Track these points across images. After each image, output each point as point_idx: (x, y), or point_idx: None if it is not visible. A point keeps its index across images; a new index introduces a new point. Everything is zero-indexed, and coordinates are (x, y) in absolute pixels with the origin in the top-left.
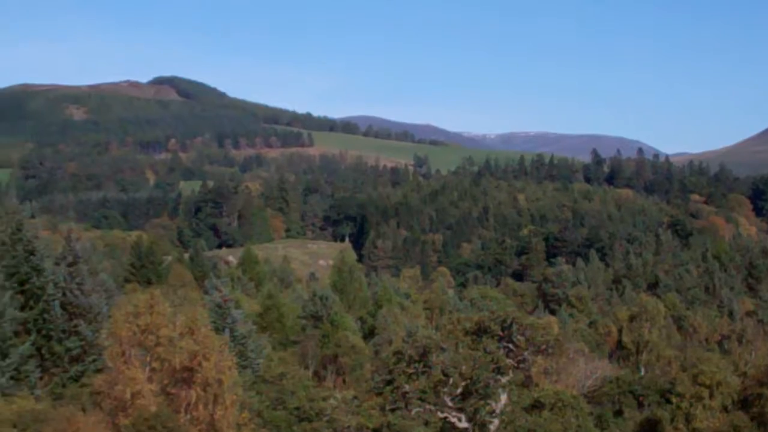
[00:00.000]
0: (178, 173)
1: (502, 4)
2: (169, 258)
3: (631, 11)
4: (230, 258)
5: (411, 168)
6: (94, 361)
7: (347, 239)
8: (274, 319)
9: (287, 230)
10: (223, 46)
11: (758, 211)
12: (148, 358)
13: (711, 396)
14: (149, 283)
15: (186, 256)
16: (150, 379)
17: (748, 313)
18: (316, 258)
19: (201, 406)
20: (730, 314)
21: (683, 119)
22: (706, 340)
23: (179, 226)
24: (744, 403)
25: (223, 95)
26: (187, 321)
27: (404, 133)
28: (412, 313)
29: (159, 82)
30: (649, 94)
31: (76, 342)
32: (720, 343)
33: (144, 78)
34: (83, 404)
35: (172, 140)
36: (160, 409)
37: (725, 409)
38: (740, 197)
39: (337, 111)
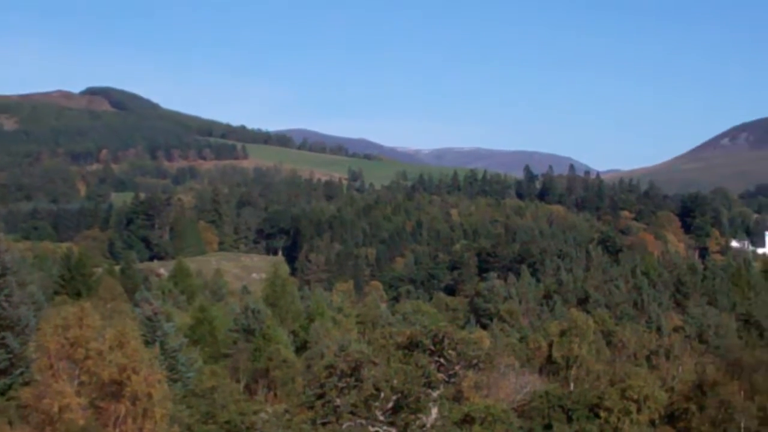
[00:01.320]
0: (110, 185)
1: (435, 20)
2: (100, 270)
3: (563, 29)
4: (162, 271)
5: (345, 182)
6: (21, 374)
7: (280, 253)
8: (206, 333)
9: (220, 243)
10: (157, 57)
11: (686, 228)
12: (76, 372)
13: (639, 410)
14: (79, 295)
15: (117, 268)
16: (78, 393)
17: (676, 329)
18: (249, 271)
19: (130, 420)
20: (658, 330)
21: (614, 137)
22: (635, 355)
23: (110, 238)
24: (671, 418)
25: (156, 107)
26: (116, 334)
27: (339, 147)
28: (345, 327)
29: (91, 92)
30: (581, 111)
31: (3, 354)
32: (648, 358)
33: (76, 88)
34: (10, 418)
35: (104, 151)
36: (88, 423)
37: (653, 423)
38: (669, 214)
39: (271, 124)
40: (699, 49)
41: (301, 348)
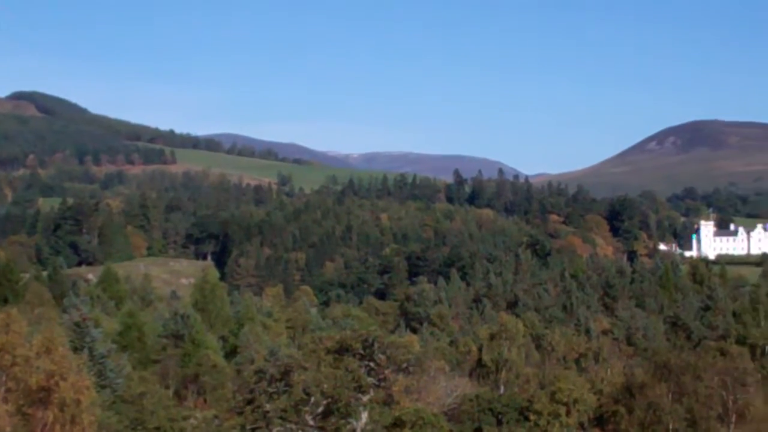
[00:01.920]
0: (37, 190)
1: (363, 22)
2: (27, 276)
3: (491, 32)
4: (90, 276)
5: (275, 186)
6: None
7: (210, 257)
8: (135, 338)
9: (149, 248)
10: (85, 61)
11: (615, 232)
12: (3, 378)
13: (568, 413)
14: (6, 301)
15: (44, 274)
16: (5, 400)
17: (604, 332)
18: (178, 276)
19: (58, 427)
20: (587, 332)
21: (544, 141)
22: (564, 358)
23: (38, 244)
24: (600, 420)
25: (84, 111)
26: (44, 340)
27: (268, 152)
28: (275, 331)
29: (18, 97)
30: (510, 115)
31: None
32: (577, 361)
33: (2, 93)
34: None
35: (31, 156)
36: (15, 430)
37: (582, 426)
38: (597, 218)
39: (201, 128)
40: (627, 52)
41: (230, 353)
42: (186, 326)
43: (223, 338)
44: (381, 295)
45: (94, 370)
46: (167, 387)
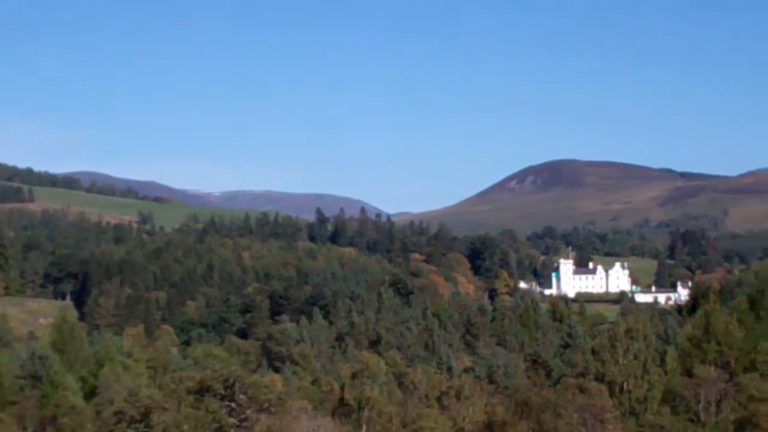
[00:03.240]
0: None
1: (221, 62)
2: None
3: (351, 75)
4: None
5: (135, 225)
6: None
7: (69, 297)
8: None
9: (5, 288)
10: None
11: (476, 270)
12: None
13: None
14: None
15: None
16: None
17: (466, 370)
18: (36, 316)
19: None
20: (449, 370)
21: (405, 180)
22: (426, 396)
23: None
24: None
25: None
26: None
27: (128, 190)
28: (135, 372)
29: None
30: (371, 154)
31: None
32: (439, 400)
33: None
34: None
35: None
36: None
37: None
38: (459, 256)
39: (59, 166)
40: (486, 91)
41: (90, 394)
42: (44, 367)
43: (82, 379)
44: (243, 334)
45: None
46: (24, 429)
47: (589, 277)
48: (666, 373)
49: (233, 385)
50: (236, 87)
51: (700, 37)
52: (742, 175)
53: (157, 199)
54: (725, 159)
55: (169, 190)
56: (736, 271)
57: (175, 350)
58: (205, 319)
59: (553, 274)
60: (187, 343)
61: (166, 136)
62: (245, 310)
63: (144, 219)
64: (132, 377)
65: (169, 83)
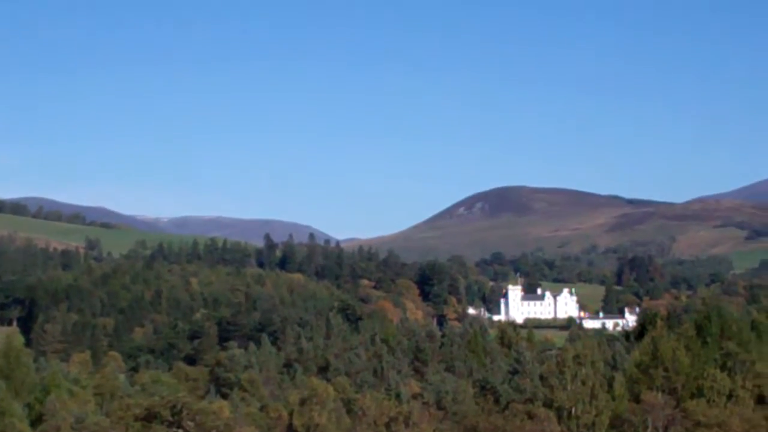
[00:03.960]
0: None
1: (170, 88)
2: None
3: (299, 102)
4: None
5: (82, 251)
6: None
7: (15, 323)
8: None
9: None
10: None
11: (425, 296)
12: None
13: None
14: None
15: None
16: None
17: (415, 396)
18: None
19: None
20: (398, 397)
21: (354, 206)
22: (375, 422)
23: None
24: None
25: None
26: None
27: (75, 215)
28: (82, 398)
29: None
30: (320, 180)
31: None
32: (388, 426)
33: None
34: None
35: None
36: None
37: None
38: (408, 282)
39: (5, 192)
40: (434, 119)
41: (36, 421)
42: None
43: (28, 406)
44: (191, 360)
45: None
46: None
47: (538, 303)
48: (614, 398)
49: (181, 411)
50: (184, 113)
51: (647, 66)
52: (688, 202)
53: (104, 225)
54: (672, 186)
55: (118, 215)
56: (683, 297)
57: (122, 377)
58: (152, 345)
59: (502, 300)
60: (134, 369)
61: (115, 162)
62: (193, 337)
63: (91, 245)
64: (79, 404)
65: (118, 109)
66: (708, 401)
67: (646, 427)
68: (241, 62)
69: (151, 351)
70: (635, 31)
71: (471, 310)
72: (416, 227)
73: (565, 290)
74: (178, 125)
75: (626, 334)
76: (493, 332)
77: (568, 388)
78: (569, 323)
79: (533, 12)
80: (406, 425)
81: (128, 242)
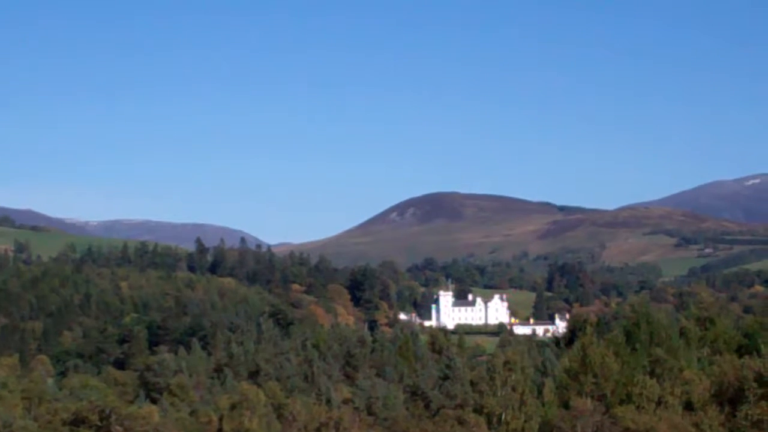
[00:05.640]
0: None
1: (102, 92)
2: None
3: (232, 108)
4: None
5: (11, 253)
6: None
7: None
8: None
9: None
10: None
11: (356, 302)
12: None
13: None
14: None
15: None
16: None
17: (345, 401)
18: None
19: None
20: (328, 402)
21: (286, 210)
22: (305, 427)
23: None
24: None
25: None
26: None
27: (4, 218)
28: (9, 403)
29: None
30: (251, 184)
31: None
32: (318, 431)
33: None
34: None
35: None
36: None
37: None
38: (339, 287)
39: None
40: (367, 125)
41: None
42: None
43: None
44: (120, 364)
45: None
46: None
47: (469, 309)
48: (543, 404)
49: (109, 416)
50: (115, 114)
51: (576, 75)
52: (618, 209)
53: (34, 228)
54: (603, 193)
55: (47, 218)
56: (612, 304)
57: (50, 381)
58: (81, 349)
59: (433, 306)
60: (63, 373)
61: (44, 164)
62: (123, 341)
63: (20, 248)
64: (6, 408)
65: (47, 110)
66: (637, 407)
67: None
68: (168, 63)
69: (80, 355)
70: (563, 39)
71: (402, 316)
72: (348, 232)
73: (496, 296)
74: (108, 127)
75: (556, 341)
76: (424, 338)
77: (498, 393)
78: (500, 329)
79: (461, 22)
80: (337, 430)
81: (57, 245)
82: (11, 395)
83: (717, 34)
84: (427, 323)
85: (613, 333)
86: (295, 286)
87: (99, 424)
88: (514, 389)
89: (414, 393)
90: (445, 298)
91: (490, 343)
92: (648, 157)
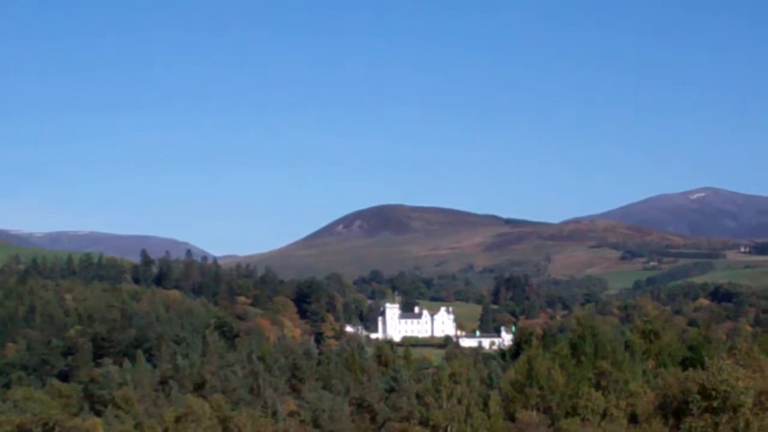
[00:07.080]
0: None
1: (55, 106)
2: None
3: (184, 121)
4: None
5: None
6: None
7: None
8: None
9: None
10: None
11: (302, 314)
12: None
13: None
14: None
15: None
16: None
17: (291, 414)
18: None
19: None
20: (274, 415)
21: (231, 222)
22: None
23: None
24: None
25: None
26: None
27: None
28: None
29: None
30: (197, 197)
31: None
32: None
33: None
34: None
35: None
36: None
37: None
38: (285, 300)
39: None
40: (312, 138)
41: None
42: None
43: None
44: (65, 377)
45: None
46: None
47: (415, 321)
48: (489, 417)
49: (53, 429)
50: (60, 126)
51: (523, 89)
52: (564, 223)
53: None
54: (548, 207)
55: None
56: (558, 317)
57: None
58: (25, 361)
59: (380, 319)
60: (6, 386)
61: None
62: (67, 353)
63: None
64: None
65: None
66: (582, 420)
67: None
68: (111, 76)
69: (24, 367)
70: (507, 52)
71: (349, 328)
72: (295, 245)
73: (443, 309)
74: (52, 138)
75: (502, 353)
76: (370, 350)
77: (444, 406)
78: (446, 342)
79: (405, 32)
80: None
81: (1, 257)
82: None
83: (670, 47)
84: (373, 335)
85: (558, 346)
86: (241, 299)
87: None
88: (459, 402)
89: (360, 405)
90: (392, 310)
91: (436, 356)
92: (594, 171)
